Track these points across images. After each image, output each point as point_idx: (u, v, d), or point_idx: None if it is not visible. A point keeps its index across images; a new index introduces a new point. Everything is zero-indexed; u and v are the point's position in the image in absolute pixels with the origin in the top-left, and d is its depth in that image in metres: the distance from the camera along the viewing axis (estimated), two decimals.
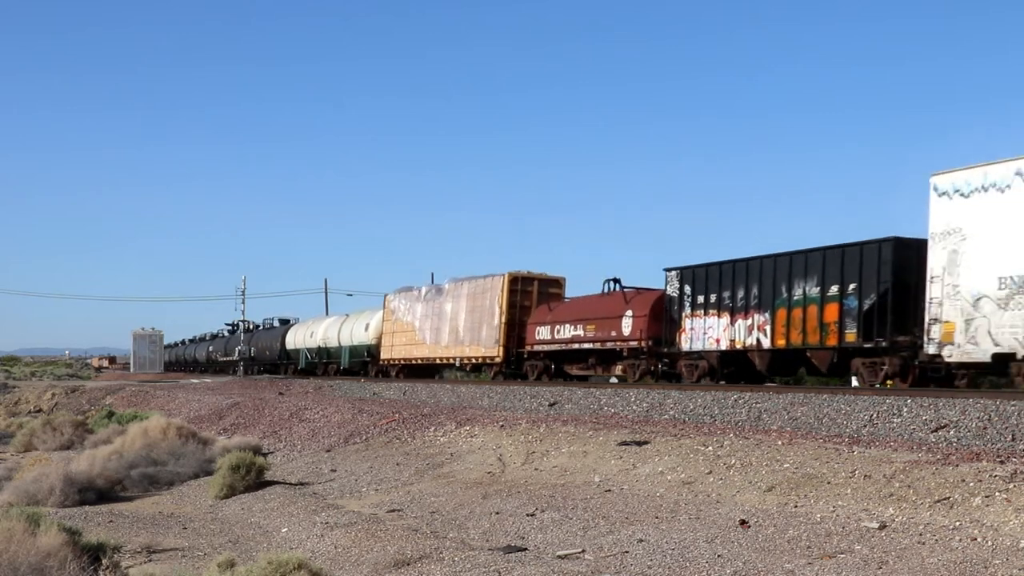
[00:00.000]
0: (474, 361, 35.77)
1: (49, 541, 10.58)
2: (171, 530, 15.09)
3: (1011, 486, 9.79)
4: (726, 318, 24.38)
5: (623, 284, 29.91)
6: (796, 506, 10.91)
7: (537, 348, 32.02)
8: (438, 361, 38.34)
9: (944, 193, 19.16)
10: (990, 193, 18.37)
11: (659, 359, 27.07)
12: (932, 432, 14.03)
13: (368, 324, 45.41)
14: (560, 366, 31.64)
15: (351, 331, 47.29)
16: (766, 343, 23.21)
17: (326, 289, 78.58)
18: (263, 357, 60.23)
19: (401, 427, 21.25)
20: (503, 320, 33.74)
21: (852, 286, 21.11)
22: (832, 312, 21.53)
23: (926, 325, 19.20)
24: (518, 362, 33.64)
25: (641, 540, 10.55)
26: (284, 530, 14.14)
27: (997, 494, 9.69)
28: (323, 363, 50.59)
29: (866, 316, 20.73)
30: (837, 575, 8.73)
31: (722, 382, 24.35)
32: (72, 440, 28.39)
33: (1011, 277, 17.78)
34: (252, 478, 17.95)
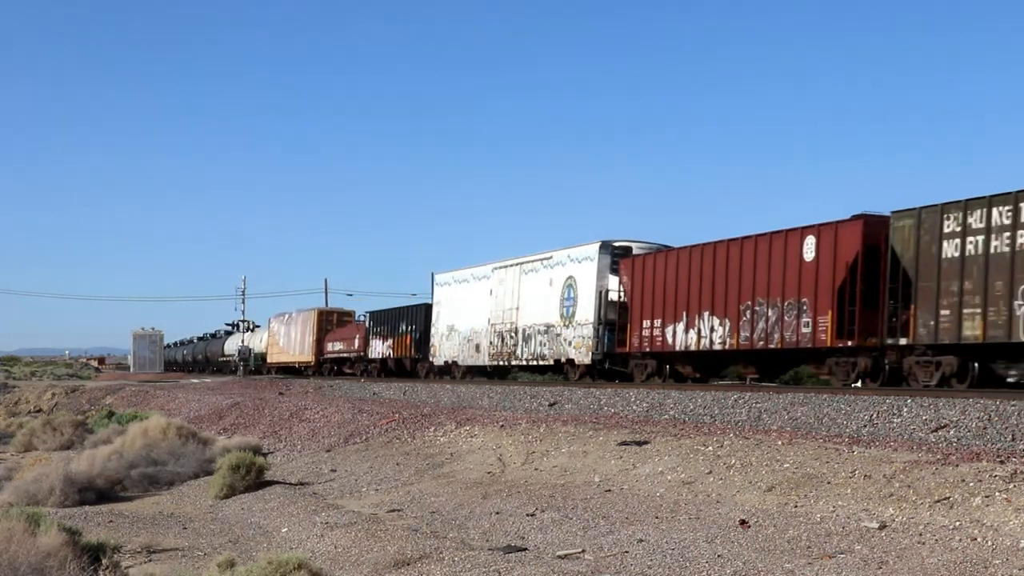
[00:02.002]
0: (303, 364, 55.13)
1: (49, 541, 10.59)
2: (171, 530, 15.11)
3: (1011, 486, 9.79)
4: (382, 340, 44.64)
5: (360, 316, 51.60)
6: (796, 506, 10.91)
7: (328, 356, 52.53)
8: (289, 364, 57.50)
9: (437, 283, 38.99)
10: (446, 286, 37.86)
11: (365, 363, 46.94)
12: (932, 432, 14.04)
13: (262, 338, 64.21)
14: (340, 367, 50.58)
15: (255, 342, 65.65)
16: (392, 354, 43.65)
17: (326, 289, 78.85)
18: (214, 359, 75.80)
19: (401, 427, 21.24)
20: (314, 339, 53.57)
21: (414, 326, 41.25)
22: (410, 339, 41.75)
23: (430, 347, 38.74)
24: (321, 365, 52.65)
25: (641, 540, 10.56)
26: (284, 530, 14.15)
27: (997, 494, 9.69)
28: (242, 365, 66.83)
29: (417, 341, 40.74)
30: (837, 575, 8.73)
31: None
32: (72, 440, 28.38)
33: (448, 326, 37.18)
34: (252, 478, 17.94)
